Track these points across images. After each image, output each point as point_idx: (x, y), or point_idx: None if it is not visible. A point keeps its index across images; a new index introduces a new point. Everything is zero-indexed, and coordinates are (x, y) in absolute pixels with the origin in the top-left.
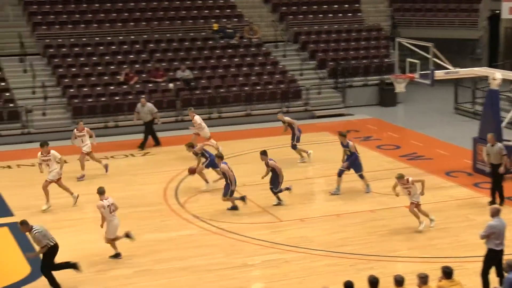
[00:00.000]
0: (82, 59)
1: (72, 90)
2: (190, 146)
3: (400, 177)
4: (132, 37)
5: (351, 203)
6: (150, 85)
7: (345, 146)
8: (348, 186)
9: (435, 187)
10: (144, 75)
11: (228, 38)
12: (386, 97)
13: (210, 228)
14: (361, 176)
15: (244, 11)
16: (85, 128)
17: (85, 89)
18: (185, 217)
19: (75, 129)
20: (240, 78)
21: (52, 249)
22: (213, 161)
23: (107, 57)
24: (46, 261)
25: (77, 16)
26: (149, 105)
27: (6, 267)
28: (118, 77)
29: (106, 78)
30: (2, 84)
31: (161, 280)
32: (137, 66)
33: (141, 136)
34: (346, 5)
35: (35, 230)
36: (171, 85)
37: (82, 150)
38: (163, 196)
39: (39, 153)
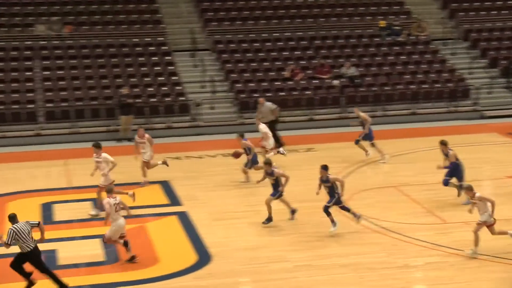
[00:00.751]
0: (249, 54)
1: (239, 85)
2: (241, 135)
3: (467, 189)
4: (299, 33)
5: None
6: (315, 81)
7: (445, 154)
8: None
9: None
10: (309, 72)
11: (395, 35)
12: None
13: (372, 227)
14: (461, 187)
15: (413, 8)
16: (146, 135)
17: (252, 84)
18: (346, 214)
19: (136, 135)
20: (406, 76)
21: (27, 255)
22: (254, 160)
23: (273, 53)
24: (18, 260)
25: (247, 12)
26: (267, 104)
27: (174, 255)
28: (284, 73)
29: (272, 73)
30: (174, 78)
31: (322, 276)
32: (302, 62)
33: (307, 133)
34: None
35: (11, 227)
36: (336, 81)
37: (143, 159)
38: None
39: (94, 154)
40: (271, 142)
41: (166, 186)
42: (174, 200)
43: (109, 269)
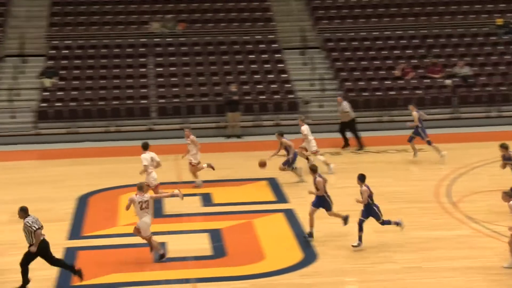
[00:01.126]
0: (360, 53)
1: (348, 84)
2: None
3: (506, 194)
4: (411, 31)
5: None
6: (426, 80)
7: (506, 158)
8: None
9: None
10: (421, 71)
11: None
12: None
13: (484, 230)
14: None
15: None
16: (191, 136)
17: (361, 83)
18: (457, 216)
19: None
20: None
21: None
22: (294, 159)
23: (384, 52)
24: (29, 255)
25: (357, 10)
26: (344, 105)
27: (280, 251)
28: (394, 71)
29: (382, 72)
30: (283, 76)
31: (430, 278)
32: (414, 61)
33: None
34: None
35: (27, 219)
36: (448, 81)
37: (189, 161)
38: (434, 194)
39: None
40: (312, 145)
41: (273, 183)
42: (280, 197)
43: (216, 263)
